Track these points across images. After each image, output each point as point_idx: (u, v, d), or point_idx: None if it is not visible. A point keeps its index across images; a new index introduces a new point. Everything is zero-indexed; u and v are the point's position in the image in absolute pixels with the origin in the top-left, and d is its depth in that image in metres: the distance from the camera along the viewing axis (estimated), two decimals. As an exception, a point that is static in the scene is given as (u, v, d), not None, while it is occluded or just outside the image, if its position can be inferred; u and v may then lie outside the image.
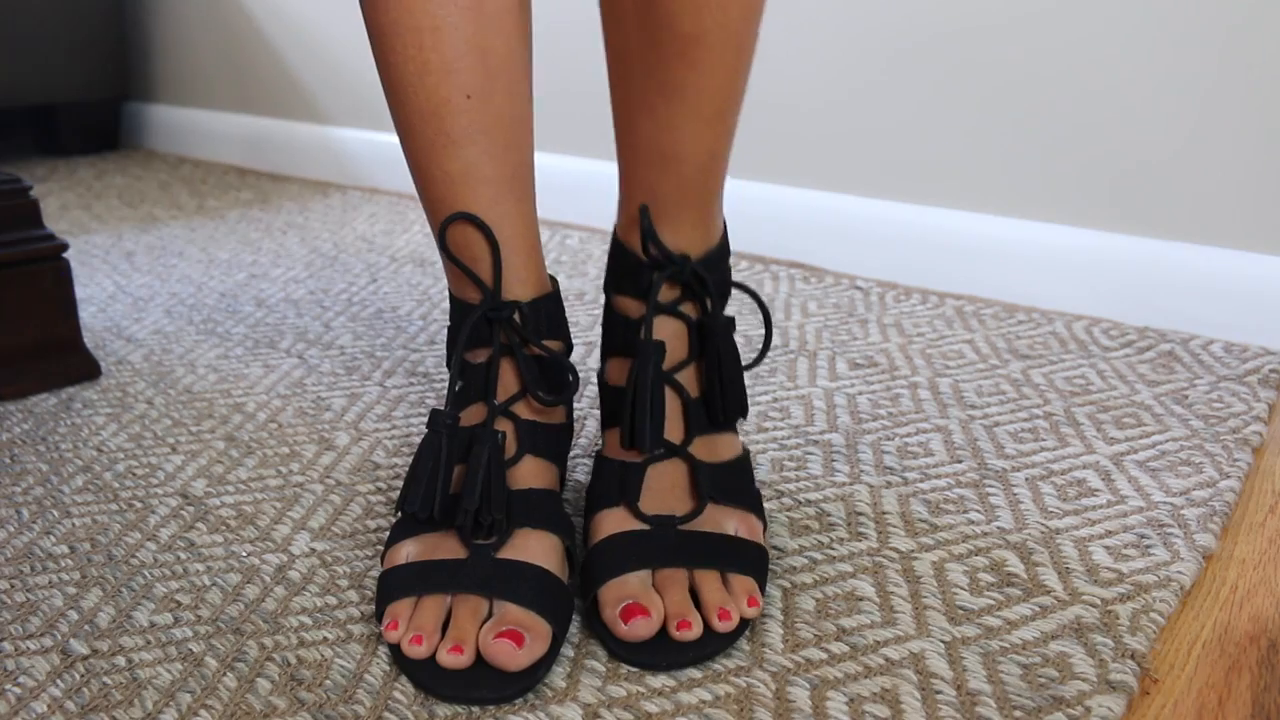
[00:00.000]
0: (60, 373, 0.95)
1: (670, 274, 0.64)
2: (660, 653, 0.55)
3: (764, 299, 0.67)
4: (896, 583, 0.62)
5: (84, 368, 0.96)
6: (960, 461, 0.77)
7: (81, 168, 2.08)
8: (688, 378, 0.66)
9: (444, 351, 0.96)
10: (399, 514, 0.63)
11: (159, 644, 0.58)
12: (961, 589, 0.61)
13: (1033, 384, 0.90)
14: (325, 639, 0.58)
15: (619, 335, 0.67)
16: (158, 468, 0.79)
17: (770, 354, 0.98)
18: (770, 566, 0.64)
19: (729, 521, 0.63)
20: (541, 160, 1.57)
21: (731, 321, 0.66)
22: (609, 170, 1.53)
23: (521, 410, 0.64)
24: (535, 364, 0.65)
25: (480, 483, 0.58)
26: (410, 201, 1.68)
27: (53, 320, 0.95)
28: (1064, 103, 1.08)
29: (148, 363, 1.01)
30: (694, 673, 0.55)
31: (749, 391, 0.89)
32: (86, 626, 0.60)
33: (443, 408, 0.61)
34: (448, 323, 0.70)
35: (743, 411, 0.66)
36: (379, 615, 0.58)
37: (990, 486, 0.73)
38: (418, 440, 0.82)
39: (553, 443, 0.65)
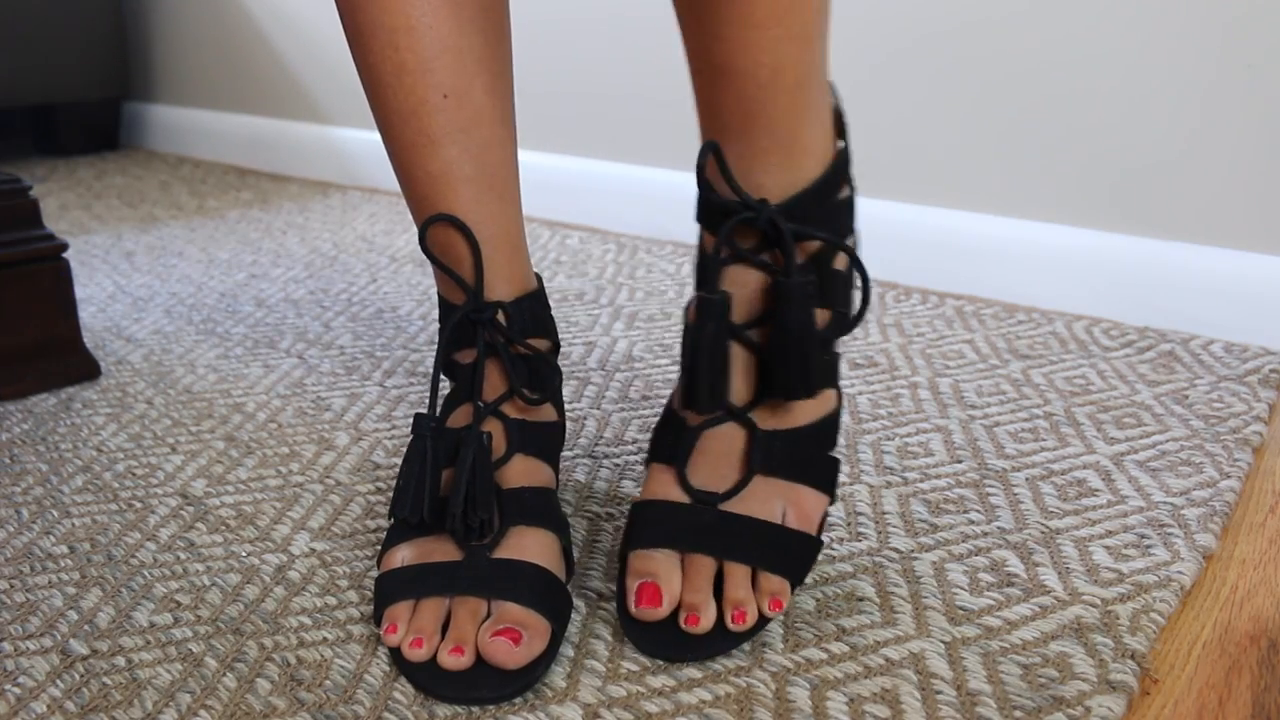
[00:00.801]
0: (60, 373, 0.95)
1: (742, 219, 0.57)
2: (660, 643, 0.55)
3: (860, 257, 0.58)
4: (896, 583, 0.62)
5: (84, 368, 0.96)
6: (960, 461, 0.77)
7: (81, 168, 2.08)
8: (764, 334, 0.58)
9: (443, 352, 0.96)
10: (392, 520, 0.63)
11: (159, 644, 0.58)
12: (961, 589, 0.61)
13: (1033, 384, 0.90)
14: (325, 639, 0.58)
15: (701, 274, 0.62)
16: (157, 468, 0.79)
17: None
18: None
19: (777, 501, 0.59)
20: (541, 160, 1.58)
21: (812, 282, 0.57)
22: (609, 170, 1.53)
23: (510, 410, 0.64)
24: (522, 363, 0.64)
25: (465, 484, 0.58)
26: (410, 201, 1.68)
27: (53, 320, 0.95)
28: (1064, 102, 1.08)
29: (147, 363, 1.01)
30: (694, 672, 0.55)
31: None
32: (86, 626, 0.60)
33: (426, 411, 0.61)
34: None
35: (806, 391, 0.58)
36: (377, 619, 0.58)
37: (990, 486, 0.73)
38: (417, 440, 0.82)
39: (543, 441, 0.65)
